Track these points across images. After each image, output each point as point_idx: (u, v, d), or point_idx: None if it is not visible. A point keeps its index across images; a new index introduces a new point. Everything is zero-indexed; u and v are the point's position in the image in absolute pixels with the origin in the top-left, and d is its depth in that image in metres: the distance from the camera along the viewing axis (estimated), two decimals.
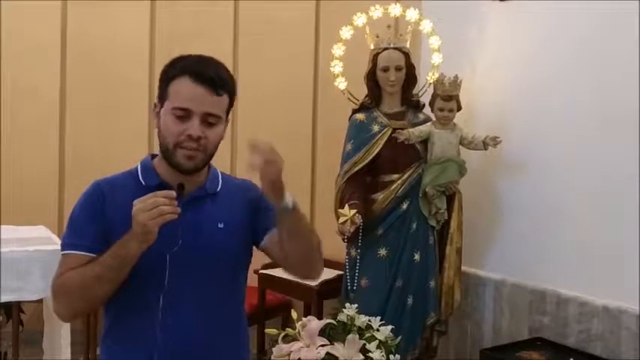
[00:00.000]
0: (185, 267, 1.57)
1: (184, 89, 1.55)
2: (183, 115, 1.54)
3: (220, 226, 1.63)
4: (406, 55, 3.18)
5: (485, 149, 3.15)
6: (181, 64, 1.59)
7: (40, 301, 2.89)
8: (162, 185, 1.56)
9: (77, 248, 1.57)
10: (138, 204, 1.45)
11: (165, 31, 4.11)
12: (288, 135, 4.28)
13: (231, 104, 1.64)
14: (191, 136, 1.53)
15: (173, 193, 1.47)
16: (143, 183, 1.61)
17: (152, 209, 1.43)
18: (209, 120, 1.56)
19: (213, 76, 1.57)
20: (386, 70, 3.16)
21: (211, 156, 1.62)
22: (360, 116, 3.24)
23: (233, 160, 4.27)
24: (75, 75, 4.06)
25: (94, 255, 1.54)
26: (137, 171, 1.65)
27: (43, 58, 4.00)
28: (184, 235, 1.54)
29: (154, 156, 1.69)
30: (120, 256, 1.48)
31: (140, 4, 4.12)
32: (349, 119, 3.30)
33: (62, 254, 1.59)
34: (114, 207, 1.58)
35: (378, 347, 2.48)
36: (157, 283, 1.54)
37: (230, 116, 1.67)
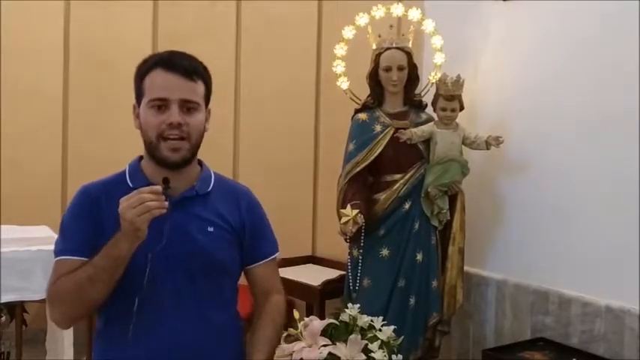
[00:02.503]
0: (170, 268, 1.56)
1: (158, 80, 1.56)
2: (161, 104, 1.55)
3: (210, 229, 1.62)
4: (408, 54, 3.17)
5: (488, 149, 3.15)
6: (152, 60, 1.60)
7: (43, 300, 2.89)
8: (149, 185, 1.55)
9: (69, 253, 1.57)
10: (123, 202, 1.44)
11: (167, 31, 4.12)
12: (290, 135, 4.29)
13: (208, 93, 1.65)
14: (172, 124, 1.54)
15: (158, 189, 1.46)
16: (130, 185, 1.61)
17: (138, 206, 1.42)
18: (188, 106, 1.57)
19: (184, 63, 1.58)
20: (388, 69, 3.15)
21: (197, 146, 1.62)
22: (362, 116, 3.24)
23: (235, 159, 4.27)
24: (77, 75, 4.06)
25: (87, 259, 1.53)
26: (125, 173, 1.66)
27: (46, 58, 4.01)
28: (172, 237, 1.53)
29: (141, 158, 1.68)
30: (111, 257, 1.47)
31: (142, 5, 4.13)
32: (351, 119, 3.30)
33: (55, 261, 1.59)
34: (103, 210, 1.58)
35: (380, 347, 2.46)
36: (138, 284, 1.53)
37: (210, 107, 1.68)
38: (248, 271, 1.77)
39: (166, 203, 1.46)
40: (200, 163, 1.72)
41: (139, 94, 1.60)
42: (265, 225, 1.79)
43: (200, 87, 1.61)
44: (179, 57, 1.60)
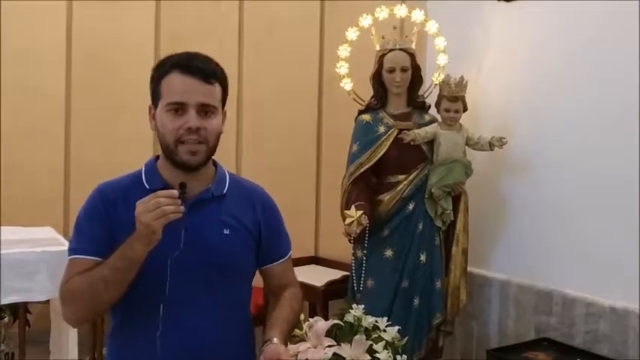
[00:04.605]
0: (186, 272, 1.56)
1: (175, 83, 1.55)
2: (179, 109, 1.54)
3: (226, 232, 1.62)
4: (412, 56, 3.18)
5: (491, 150, 3.15)
6: (169, 62, 1.59)
7: (47, 301, 2.90)
8: (166, 188, 1.54)
9: (83, 253, 1.57)
10: (140, 205, 1.45)
11: (169, 32, 4.12)
12: (293, 136, 4.29)
13: (224, 95, 1.64)
14: (190, 129, 1.53)
15: (175, 193, 1.47)
16: (147, 186, 1.60)
17: (155, 209, 1.42)
18: (205, 110, 1.56)
19: (202, 66, 1.57)
20: (392, 71, 3.15)
21: (214, 149, 1.61)
22: (365, 117, 3.24)
23: (238, 160, 4.27)
24: (80, 75, 4.06)
25: (100, 259, 1.53)
26: (141, 174, 1.65)
27: (48, 58, 4.00)
28: (187, 240, 1.53)
29: (158, 157, 1.68)
30: (126, 258, 1.47)
31: (145, 5, 4.13)
32: (355, 120, 3.29)
33: (69, 259, 1.59)
34: (119, 211, 1.58)
35: (384, 348, 2.47)
36: (158, 288, 1.53)
37: (226, 109, 1.67)
38: (264, 270, 1.76)
39: (182, 208, 1.46)
40: (215, 163, 1.70)
41: (156, 97, 1.59)
42: (280, 225, 1.78)
43: (217, 90, 1.60)
44: (197, 60, 1.59)
